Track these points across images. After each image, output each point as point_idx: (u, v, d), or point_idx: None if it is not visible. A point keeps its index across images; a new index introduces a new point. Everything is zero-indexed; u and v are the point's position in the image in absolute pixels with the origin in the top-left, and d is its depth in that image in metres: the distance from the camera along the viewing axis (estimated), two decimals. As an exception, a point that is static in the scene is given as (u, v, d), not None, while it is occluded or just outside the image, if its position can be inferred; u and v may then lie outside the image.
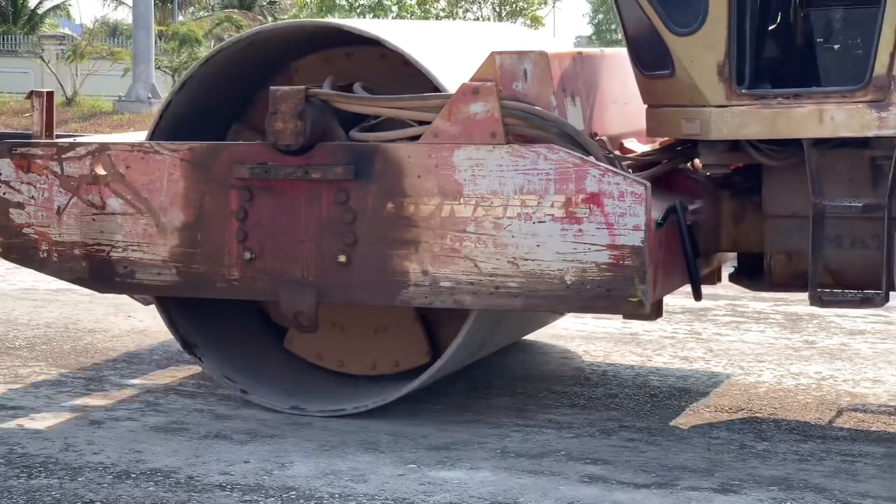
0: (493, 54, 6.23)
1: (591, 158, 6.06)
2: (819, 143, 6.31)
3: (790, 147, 6.42)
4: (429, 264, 6.22)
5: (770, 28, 6.54)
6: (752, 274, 6.95)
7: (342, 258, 6.37)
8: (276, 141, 6.39)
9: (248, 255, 6.52)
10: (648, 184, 5.97)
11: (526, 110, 6.16)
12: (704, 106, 6.38)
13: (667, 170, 6.90)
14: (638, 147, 7.19)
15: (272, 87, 6.44)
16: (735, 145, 6.50)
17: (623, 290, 5.96)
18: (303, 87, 6.42)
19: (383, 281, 6.31)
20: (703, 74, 6.35)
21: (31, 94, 7.12)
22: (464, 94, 6.17)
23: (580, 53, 6.80)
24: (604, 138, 6.66)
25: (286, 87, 6.42)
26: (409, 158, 6.23)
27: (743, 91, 6.32)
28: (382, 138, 6.41)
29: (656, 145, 7.18)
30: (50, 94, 7.12)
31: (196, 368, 7.61)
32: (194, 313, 7.10)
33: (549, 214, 6.04)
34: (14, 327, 8.90)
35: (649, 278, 5.94)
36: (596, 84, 6.93)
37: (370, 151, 6.31)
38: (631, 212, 5.93)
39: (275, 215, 6.47)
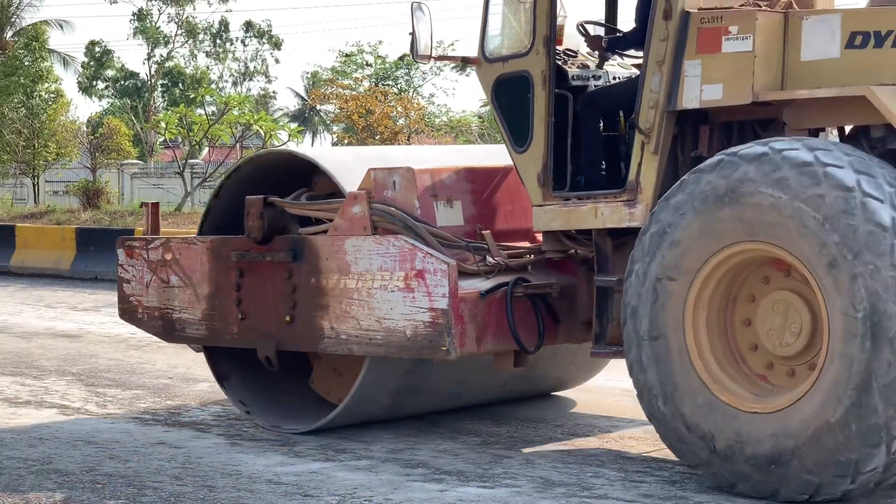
0: (369, 170, 8.54)
1: (421, 244, 8.20)
2: (603, 233, 8.17)
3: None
4: (334, 322, 8.56)
5: (576, 147, 8.44)
6: None
7: (288, 318, 8.84)
8: (248, 234, 8.98)
9: (240, 316, 9.11)
10: (453, 262, 8.05)
11: (383, 210, 8.39)
12: (533, 206, 8.39)
13: (549, 256, 8.79)
14: None
15: (247, 196, 9.04)
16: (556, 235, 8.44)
17: (438, 342, 8.05)
18: (262, 196, 8.96)
19: (311, 335, 8.71)
20: (531, 181, 8.38)
21: (142, 205, 10.10)
22: (349, 200, 8.51)
23: (468, 169, 8.91)
24: (486, 232, 8.71)
25: (254, 196, 8.97)
26: (321, 246, 8.61)
27: (554, 194, 8.29)
28: (309, 232, 8.85)
29: None
30: (155, 205, 10.06)
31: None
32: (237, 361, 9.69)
33: (396, 285, 8.23)
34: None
35: (455, 333, 8.00)
36: (494, 191, 8.98)
37: (302, 241, 8.76)
38: (440, 283, 8.03)
39: (254, 287, 9.03)
